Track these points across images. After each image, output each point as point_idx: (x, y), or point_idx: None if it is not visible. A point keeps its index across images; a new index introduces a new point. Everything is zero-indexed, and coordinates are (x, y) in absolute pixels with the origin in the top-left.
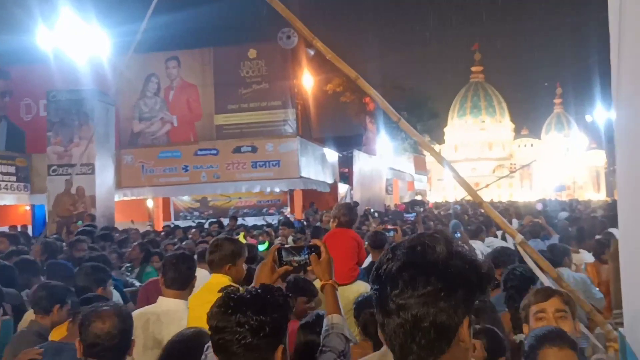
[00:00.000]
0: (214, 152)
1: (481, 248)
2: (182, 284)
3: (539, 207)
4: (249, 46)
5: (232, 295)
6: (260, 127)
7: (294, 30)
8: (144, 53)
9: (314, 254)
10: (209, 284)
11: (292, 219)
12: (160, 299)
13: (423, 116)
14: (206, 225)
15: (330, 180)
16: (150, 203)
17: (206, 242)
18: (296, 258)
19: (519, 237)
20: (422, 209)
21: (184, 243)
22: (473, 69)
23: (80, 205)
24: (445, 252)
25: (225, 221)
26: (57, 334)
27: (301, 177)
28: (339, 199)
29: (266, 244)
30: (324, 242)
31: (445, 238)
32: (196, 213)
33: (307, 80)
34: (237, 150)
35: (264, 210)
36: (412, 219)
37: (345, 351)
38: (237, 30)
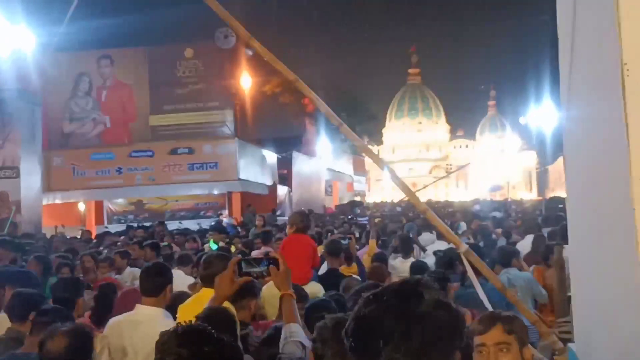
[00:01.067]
0: (149, 153)
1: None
2: (156, 291)
3: (476, 208)
4: (185, 45)
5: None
6: (197, 128)
7: (231, 30)
8: (75, 51)
9: (272, 265)
10: (200, 296)
11: (231, 222)
12: (137, 306)
13: (361, 118)
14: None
15: (269, 182)
16: (82, 206)
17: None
18: (255, 269)
19: (464, 247)
20: (359, 211)
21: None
22: (410, 71)
23: (3, 211)
24: (432, 302)
25: (174, 224)
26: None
27: (239, 179)
28: (278, 201)
29: (216, 243)
30: (282, 254)
31: (430, 287)
32: (131, 216)
33: (246, 81)
34: (174, 151)
35: (202, 213)
36: (365, 222)
37: (302, 357)
38: (173, 30)
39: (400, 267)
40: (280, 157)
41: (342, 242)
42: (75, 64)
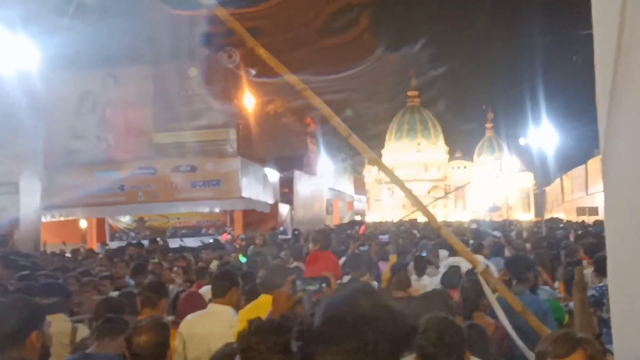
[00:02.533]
0: (152, 171)
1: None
2: (223, 293)
3: (473, 227)
4: (189, 64)
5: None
6: (200, 146)
7: (235, 50)
8: (80, 69)
9: (325, 284)
10: (259, 302)
11: (230, 239)
12: (210, 305)
13: (364, 138)
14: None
15: (271, 201)
16: (83, 224)
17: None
18: (310, 287)
19: (481, 266)
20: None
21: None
22: (410, 93)
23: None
24: (370, 306)
25: (175, 242)
26: None
27: (242, 197)
28: (279, 220)
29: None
30: (333, 274)
31: (370, 291)
32: (132, 234)
33: (249, 101)
34: (176, 169)
35: (203, 230)
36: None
37: None
38: (178, 48)
39: (414, 285)
40: (282, 175)
41: (362, 247)
42: (80, 81)
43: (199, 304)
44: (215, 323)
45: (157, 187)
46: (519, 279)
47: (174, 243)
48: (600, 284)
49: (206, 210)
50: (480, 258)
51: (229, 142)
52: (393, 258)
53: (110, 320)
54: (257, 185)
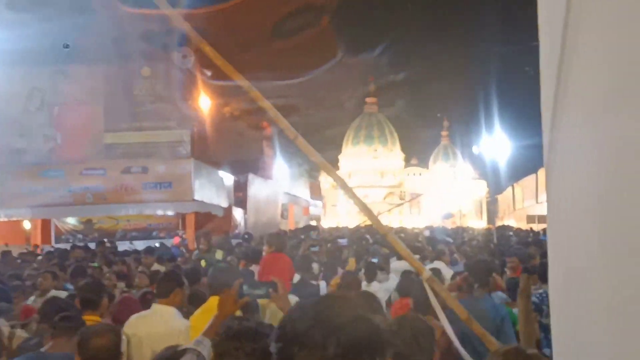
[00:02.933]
0: (101, 172)
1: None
2: (167, 294)
3: (426, 233)
4: (143, 64)
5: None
6: (152, 147)
7: (190, 50)
8: (28, 66)
9: (272, 289)
10: (209, 305)
11: (184, 243)
12: (153, 305)
13: (319, 144)
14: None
15: (224, 204)
16: (27, 225)
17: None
18: (256, 292)
19: (427, 274)
20: (315, 235)
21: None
22: (367, 99)
23: None
24: (351, 315)
25: (125, 245)
26: None
27: (194, 200)
28: (233, 224)
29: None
30: (281, 279)
31: (352, 301)
32: (80, 236)
33: (204, 102)
34: (127, 170)
35: (154, 233)
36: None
37: None
38: (131, 47)
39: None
40: (236, 179)
41: (313, 248)
42: (27, 78)
43: (133, 308)
44: (158, 323)
45: (107, 189)
46: (480, 283)
47: (123, 246)
48: (540, 291)
49: (157, 212)
50: (441, 264)
51: (183, 143)
52: (352, 262)
53: (67, 318)
54: (211, 188)
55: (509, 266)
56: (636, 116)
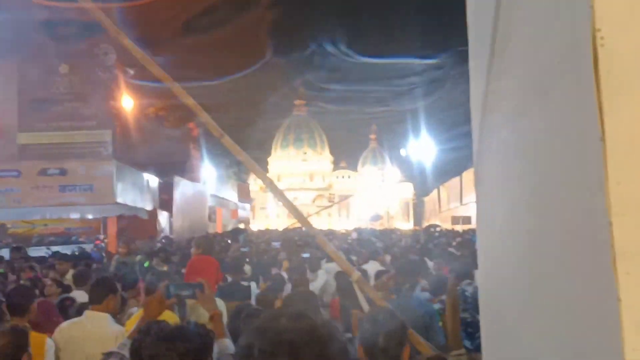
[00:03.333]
0: (15, 173)
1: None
2: (99, 300)
3: (354, 235)
4: (60, 61)
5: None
6: (71, 148)
7: (111, 47)
8: None
9: (198, 289)
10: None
11: (103, 247)
12: (85, 312)
13: (248, 146)
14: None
15: (149, 207)
16: None
17: None
18: (183, 293)
19: (356, 275)
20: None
21: None
22: (296, 102)
23: None
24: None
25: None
26: None
27: (116, 202)
28: (158, 227)
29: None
30: (207, 281)
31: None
32: None
33: (127, 102)
34: (43, 172)
35: (74, 238)
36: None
37: None
38: (48, 43)
39: None
40: (162, 181)
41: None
42: None
43: (51, 312)
44: (92, 329)
45: (22, 191)
46: (410, 283)
47: (39, 252)
48: (458, 287)
49: (77, 216)
50: (375, 264)
51: (104, 144)
52: (285, 264)
53: None
54: (134, 191)
55: (436, 266)
56: (554, 117)
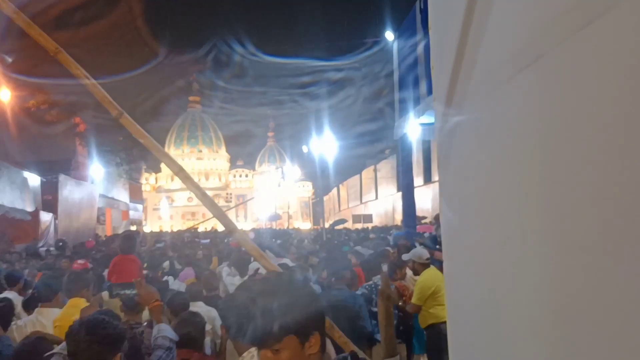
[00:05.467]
0: None
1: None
2: (50, 297)
3: (251, 235)
4: None
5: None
6: None
7: None
8: None
9: (136, 284)
10: (71, 305)
11: None
12: (37, 309)
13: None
14: None
15: (30, 208)
16: None
17: None
18: (126, 291)
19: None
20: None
21: None
22: (191, 98)
23: None
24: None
25: None
26: None
27: None
28: (41, 229)
29: None
30: (140, 280)
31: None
32: None
33: (4, 94)
34: None
35: None
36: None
37: (170, 347)
38: None
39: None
40: (45, 180)
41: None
42: None
43: None
44: (44, 323)
45: None
46: (336, 278)
47: None
48: (370, 282)
49: None
50: (287, 260)
51: None
52: (215, 261)
53: None
54: (13, 191)
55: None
56: (522, 109)
